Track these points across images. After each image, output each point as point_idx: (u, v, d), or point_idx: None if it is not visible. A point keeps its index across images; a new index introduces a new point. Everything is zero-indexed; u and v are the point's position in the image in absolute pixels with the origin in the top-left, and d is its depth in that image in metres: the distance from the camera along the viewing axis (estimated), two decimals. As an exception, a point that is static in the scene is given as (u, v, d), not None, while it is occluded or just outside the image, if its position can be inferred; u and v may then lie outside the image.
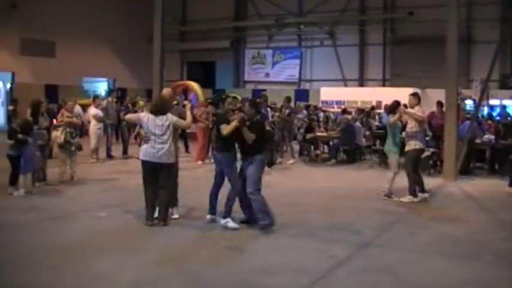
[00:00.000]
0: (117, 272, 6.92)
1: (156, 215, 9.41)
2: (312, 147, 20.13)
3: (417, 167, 12.59)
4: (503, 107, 26.81)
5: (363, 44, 34.95)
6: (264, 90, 29.78)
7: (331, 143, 20.10)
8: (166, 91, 10.69)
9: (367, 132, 20.70)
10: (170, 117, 9.42)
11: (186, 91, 24.25)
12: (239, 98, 26.43)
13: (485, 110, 26.80)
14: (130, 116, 11.51)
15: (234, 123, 9.32)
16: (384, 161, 17.83)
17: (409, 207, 11.71)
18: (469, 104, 27.08)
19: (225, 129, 9.30)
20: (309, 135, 19.97)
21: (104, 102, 19.25)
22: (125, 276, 6.77)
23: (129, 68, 35.83)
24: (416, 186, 12.44)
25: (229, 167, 9.42)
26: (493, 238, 9.22)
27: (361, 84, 34.44)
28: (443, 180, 15.19)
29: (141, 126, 10.03)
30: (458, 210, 11.53)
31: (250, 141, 9.28)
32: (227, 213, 9.34)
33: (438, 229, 9.72)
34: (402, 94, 25.96)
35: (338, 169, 17.85)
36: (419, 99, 12.72)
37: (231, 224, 9.26)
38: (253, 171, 9.31)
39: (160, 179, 9.35)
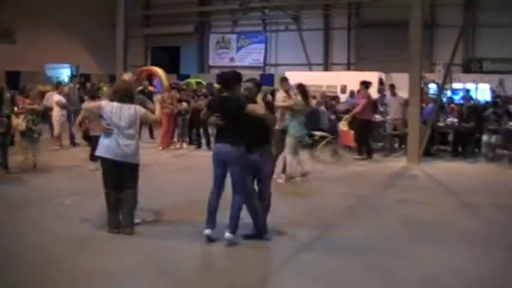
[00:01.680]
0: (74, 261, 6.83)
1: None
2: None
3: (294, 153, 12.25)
4: (466, 91, 27.12)
5: (328, 28, 35.03)
6: (229, 75, 29.65)
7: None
8: (128, 76, 9.89)
9: (332, 117, 20.73)
10: (138, 109, 8.00)
11: (150, 76, 24.16)
12: (204, 83, 26.48)
13: (448, 94, 27.08)
14: (89, 106, 9.61)
15: (260, 102, 7.62)
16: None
17: (374, 191, 11.78)
18: (432, 87, 27.31)
19: (259, 108, 7.52)
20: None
21: (66, 89, 18.99)
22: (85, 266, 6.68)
23: (93, 54, 35.42)
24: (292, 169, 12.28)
25: (244, 168, 7.52)
26: (458, 219, 9.33)
27: (326, 69, 34.54)
28: (408, 163, 15.31)
29: (101, 117, 8.10)
30: (423, 193, 11.62)
31: (275, 123, 8.34)
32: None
33: (403, 212, 9.79)
34: (367, 78, 26.12)
35: (302, 153, 17.80)
36: (286, 81, 13.02)
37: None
38: (268, 167, 7.98)
39: (125, 180, 7.93)
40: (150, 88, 20.86)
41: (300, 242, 7.68)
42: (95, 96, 12.26)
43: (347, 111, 18.11)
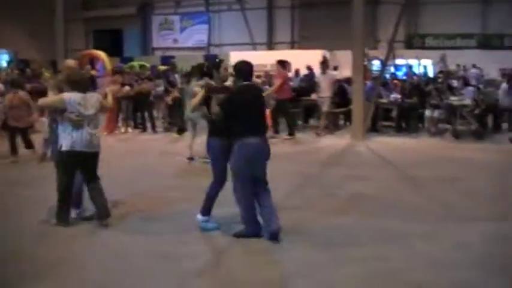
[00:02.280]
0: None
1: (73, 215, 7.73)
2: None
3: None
4: (409, 67, 27.49)
5: (271, 7, 35.01)
6: (173, 56, 29.45)
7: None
8: (72, 62, 9.10)
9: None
10: (99, 96, 7.80)
11: (92, 60, 23.74)
12: (147, 65, 26.17)
13: (392, 70, 27.40)
14: (47, 100, 7.86)
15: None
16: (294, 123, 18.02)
17: (320, 169, 11.85)
18: (376, 64, 27.59)
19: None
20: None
21: (3, 74, 18.52)
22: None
23: (32, 39, 34.60)
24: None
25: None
26: (402, 194, 9.46)
27: (270, 48, 34.55)
28: (352, 140, 15.44)
29: (62, 110, 7.38)
30: (368, 168, 11.75)
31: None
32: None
33: (349, 188, 9.84)
34: (311, 56, 26.21)
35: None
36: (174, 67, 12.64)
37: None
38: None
39: (92, 171, 7.64)
40: (93, 72, 20.49)
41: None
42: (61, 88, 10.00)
43: (293, 90, 18.15)
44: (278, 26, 35.12)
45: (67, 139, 7.36)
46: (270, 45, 35.09)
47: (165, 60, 29.39)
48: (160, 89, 18.24)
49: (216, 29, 36.87)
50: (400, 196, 9.34)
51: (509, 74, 20.90)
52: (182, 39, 37.33)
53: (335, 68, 24.75)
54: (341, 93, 18.66)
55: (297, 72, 24.36)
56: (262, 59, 29.33)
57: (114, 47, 37.78)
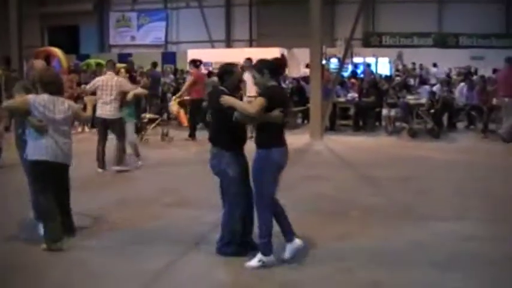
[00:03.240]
0: None
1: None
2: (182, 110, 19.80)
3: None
4: (367, 65, 27.70)
5: (229, 5, 34.96)
6: (130, 54, 29.20)
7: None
8: (40, 63, 7.95)
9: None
10: (72, 105, 7.08)
11: (48, 58, 23.35)
12: (103, 63, 25.81)
13: (350, 68, 27.58)
14: (12, 103, 7.13)
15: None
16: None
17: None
18: (334, 62, 27.76)
19: (255, 106, 5.91)
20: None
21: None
22: None
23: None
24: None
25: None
26: (359, 194, 9.49)
27: (228, 45, 34.49)
28: (310, 139, 15.46)
29: (27, 113, 6.70)
30: (326, 168, 11.78)
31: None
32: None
33: (306, 188, 9.85)
34: (269, 54, 26.13)
35: (205, 132, 17.68)
36: (114, 65, 11.75)
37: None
38: None
39: (63, 182, 7.03)
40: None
41: (209, 224, 7.57)
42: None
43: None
44: (236, 23, 35.08)
45: (32, 147, 6.75)
46: (228, 42, 35.03)
47: (123, 57, 29.07)
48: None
49: (173, 26, 36.63)
50: (357, 196, 9.37)
51: (465, 73, 21.23)
52: (140, 36, 37.01)
53: (307, 66, 24.79)
54: (299, 91, 18.72)
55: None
56: (220, 56, 29.25)
57: (71, 44, 37.19)
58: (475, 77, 20.19)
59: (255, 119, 5.97)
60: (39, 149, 6.70)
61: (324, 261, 6.24)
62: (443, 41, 31.41)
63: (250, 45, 33.88)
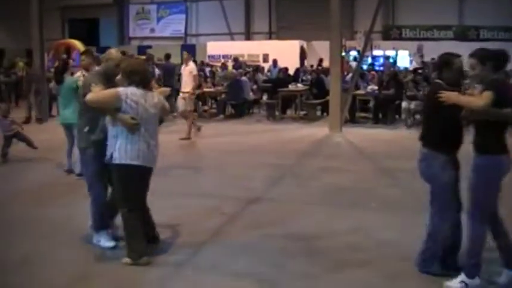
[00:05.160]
0: None
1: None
2: (200, 103, 19.94)
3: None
4: (386, 58, 27.59)
5: (249, -3, 34.90)
6: (150, 46, 29.33)
7: (218, 98, 20.01)
8: (116, 51, 6.81)
9: (254, 87, 20.75)
10: (160, 98, 6.24)
11: (69, 50, 23.55)
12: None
13: (369, 61, 27.51)
14: (97, 96, 5.91)
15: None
16: (271, 114, 18.07)
17: (297, 160, 11.85)
18: (353, 55, 27.71)
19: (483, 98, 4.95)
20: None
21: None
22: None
23: (5, 27, 34.02)
24: None
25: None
26: (377, 186, 9.49)
27: (248, 38, 34.46)
28: (330, 131, 15.46)
29: (117, 109, 5.79)
30: (344, 160, 11.79)
31: None
32: None
33: (325, 180, 9.88)
34: (289, 47, 26.24)
35: (226, 124, 17.85)
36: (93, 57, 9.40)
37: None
38: None
39: (147, 190, 6.24)
40: (69, 62, 20.32)
41: (226, 215, 7.64)
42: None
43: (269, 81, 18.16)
44: (255, 16, 34.98)
45: (123, 150, 5.80)
46: (248, 35, 34.98)
47: (142, 49, 29.20)
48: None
49: (193, 18, 36.62)
50: (376, 188, 9.37)
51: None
52: (159, 29, 37.06)
53: (320, 61, 24.85)
54: (319, 84, 18.72)
55: (275, 62, 24.41)
56: (239, 49, 29.40)
57: (91, 37, 37.32)
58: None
59: (481, 114, 5.03)
60: (131, 151, 5.79)
61: (339, 253, 6.26)
62: (464, 34, 31.12)
63: (270, 38, 33.83)
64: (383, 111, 17.44)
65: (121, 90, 5.80)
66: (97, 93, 5.94)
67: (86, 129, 6.26)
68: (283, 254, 6.21)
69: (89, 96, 5.88)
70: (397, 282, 5.54)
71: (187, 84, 14.57)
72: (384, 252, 6.27)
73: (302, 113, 18.71)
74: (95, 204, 6.34)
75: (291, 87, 18.90)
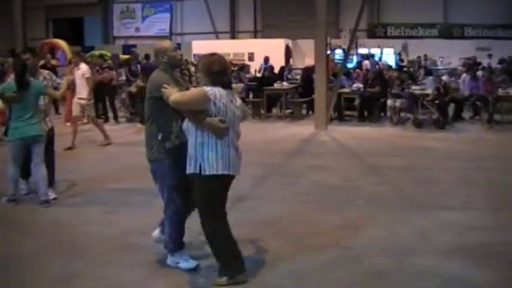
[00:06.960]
0: None
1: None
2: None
3: None
4: (372, 56, 27.68)
5: (234, -4, 34.91)
6: (135, 45, 29.18)
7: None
8: (170, 43, 6.12)
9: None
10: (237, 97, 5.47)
11: (53, 49, 23.39)
12: (108, 54, 25.88)
13: (355, 59, 27.60)
14: (184, 96, 5.26)
15: None
16: (257, 113, 18.05)
17: (284, 159, 11.84)
18: (338, 53, 27.78)
19: None
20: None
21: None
22: None
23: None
24: None
25: None
26: (364, 183, 9.51)
27: (233, 37, 34.48)
28: (315, 129, 15.47)
29: (203, 112, 5.09)
30: (331, 158, 11.79)
31: None
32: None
33: (312, 178, 9.88)
34: (274, 45, 26.27)
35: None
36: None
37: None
38: None
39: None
40: (53, 62, 20.22)
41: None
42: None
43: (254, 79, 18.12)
44: (241, 14, 35.02)
45: (210, 157, 5.13)
46: (233, 34, 34.98)
47: (127, 49, 29.09)
48: (122, 78, 18.09)
49: (178, 17, 36.61)
50: (362, 185, 9.39)
51: (469, 64, 21.18)
52: (144, 28, 36.99)
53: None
54: (307, 82, 18.68)
55: (266, 59, 24.38)
56: (225, 48, 29.33)
57: (75, 36, 37.25)
58: (480, 68, 20.17)
59: None
60: (222, 160, 5.15)
61: (328, 249, 6.25)
62: (448, 32, 31.31)
63: (255, 36, 33.86)
64: (368, 109, 17.47)
65: (209, 90, 5.09)
66: (183, 94, 5.31)
67: (160, 136, 5.53)
68: (271, 253, 6.19)
69: (176, 97, 5.15)
70: (384, 278, 5.54)
71: (82, 89, 13.33)
72: (371, 249, 6.27)
73: (288, 111, 18.70)
74: (173, 222, 5.71)
75: (277, 85, 18.88)
